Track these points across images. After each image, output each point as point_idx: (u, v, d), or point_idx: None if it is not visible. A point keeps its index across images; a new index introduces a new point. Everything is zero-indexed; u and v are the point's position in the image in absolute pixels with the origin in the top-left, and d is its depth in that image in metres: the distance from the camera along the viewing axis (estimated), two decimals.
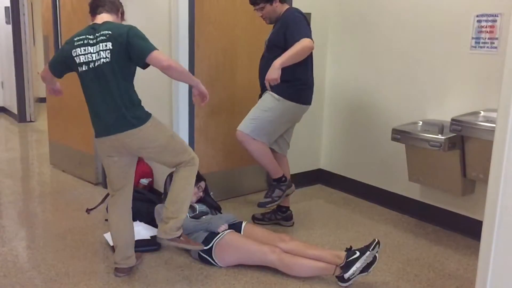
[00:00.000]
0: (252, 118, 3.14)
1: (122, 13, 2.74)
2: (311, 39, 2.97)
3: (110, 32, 2.47)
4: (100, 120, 2.53)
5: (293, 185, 3.41)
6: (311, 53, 3.16)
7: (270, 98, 3.13)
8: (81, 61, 2.50)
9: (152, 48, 2.42)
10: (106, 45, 2.45)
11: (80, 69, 2.52)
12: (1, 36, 7.57)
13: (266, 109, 3.13)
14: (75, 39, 2.55)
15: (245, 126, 3.13)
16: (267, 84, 2.94)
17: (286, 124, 3.27)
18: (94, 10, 2.63)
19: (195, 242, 2.76)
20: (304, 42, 2.92)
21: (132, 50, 2.43)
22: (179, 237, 2.61)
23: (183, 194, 2.62)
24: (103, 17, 2.59)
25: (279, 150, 3.37)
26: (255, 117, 3.13)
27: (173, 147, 2.62)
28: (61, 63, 2.64)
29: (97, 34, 2.49)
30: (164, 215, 2.61)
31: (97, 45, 2.46)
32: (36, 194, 4.20)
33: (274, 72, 2.88)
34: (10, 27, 7.06)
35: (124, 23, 2.68)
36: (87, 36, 2.52)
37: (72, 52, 2.53)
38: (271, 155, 3.25)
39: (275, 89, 3.05)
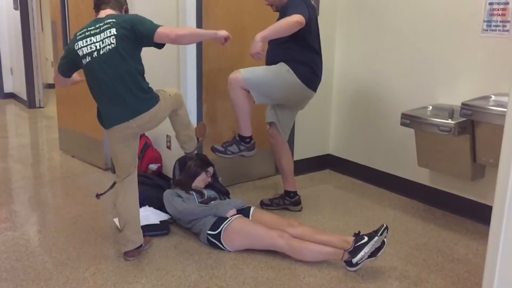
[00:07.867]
0: (255, 70, 3.07)
1: (126, 10, 2.79)
2: (304, 16, 2.89)
3: (114, 20, 2.51)
4: (116, 107, 2.54)
5: (255, 149, 3.27)
6: (319, 41, 3.14)
7: (281, 67, 3.10)
8: (84, 53, 2.52)
9: (155, 27, 2.50)
10: (110, 31, 2.48)
11: (84, 61, 2.54)
12: (10, 22, 7.57)
13: (273, 72, 3.10)
14: (77, 33, 2.58)
15: (245, 72, 3.04)
16: (253, 58, 2.90)
17: (283, 96, 3.19)
18: (98, 7, 2.66)
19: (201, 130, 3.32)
20: (292, 17, 2.86)
21: (141, 37, 2.50)
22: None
23: (189, 119, 3.16)
24: (106, 13, 2.62)
25: (282, 132, 3.34)
26: (259, 72, 3.08)
27: (172, 102, 2.86)
28: (68, 63, 2.67)
29: (100, 24, 2.52)
30: (187, 136, 3.15)
31: (101, 34, 2.49)
32: (47, 180, 4.24)
33: (254, 46, 2.84)
34: (18, 13, 7.05)
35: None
36: (89, 28, 2.55)
37: (75, 46, 2.55)
38: (250, 112, 3.14)
39: (292, 65, 3.05)
